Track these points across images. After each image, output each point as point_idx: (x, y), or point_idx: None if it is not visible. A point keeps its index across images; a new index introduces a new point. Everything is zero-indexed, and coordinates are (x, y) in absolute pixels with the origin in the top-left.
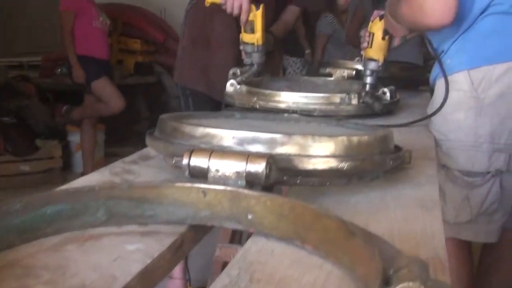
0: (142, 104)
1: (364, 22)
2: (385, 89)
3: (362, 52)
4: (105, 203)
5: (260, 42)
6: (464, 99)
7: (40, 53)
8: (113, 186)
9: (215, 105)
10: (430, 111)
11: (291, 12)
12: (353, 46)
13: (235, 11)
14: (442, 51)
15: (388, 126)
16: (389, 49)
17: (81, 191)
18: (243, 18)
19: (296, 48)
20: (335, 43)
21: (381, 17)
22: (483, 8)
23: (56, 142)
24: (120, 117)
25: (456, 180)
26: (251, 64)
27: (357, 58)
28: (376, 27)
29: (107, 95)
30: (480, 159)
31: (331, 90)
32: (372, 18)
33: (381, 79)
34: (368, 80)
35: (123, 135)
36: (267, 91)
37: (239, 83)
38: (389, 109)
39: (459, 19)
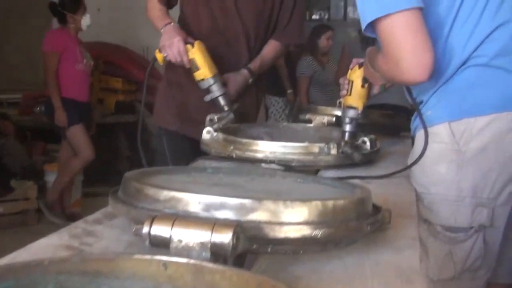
0: (123, 143)
1: None
2: (365, 139)
3: (341, 99)
4: (55, 278)
5: (208, 75)
6: (446, 151)
7: (21, 90)
8: (64, 260)
9: (191, 145)
10: (410, 162)
11: (270, 47)
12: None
13: (178, 59)
14: (422, 101)
15: (367, 177)
16: (369, 97)
17: (29, 266)
18: (183, 60)
19: (278, 88)
20: (316, 85)
21: (360, 65)
22: (463, 60)
23: (31, 182)
24: (100, 156)
25: (438, 235)
26: (229, 111)
27: (338, 100)
28: (355, 75)
29: (80, 144)
30: (463, 214)
31: (310, 137)
32: (351, 66)
33: (361, 126)
34: (347, 128)
35: (103, 175)
36: (244, 140)
37: (215, 130)
38: (369, 159)
39: (439, 71)
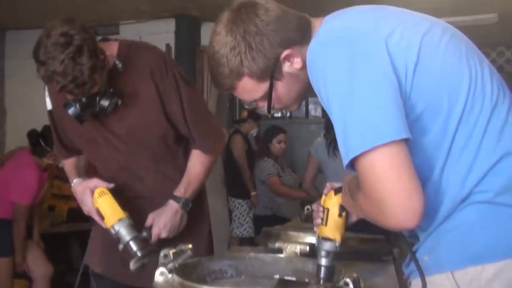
0: (76, 253)
1: (319, 169)
2: (348, 280)
3: (315, 229)
4: None
5: (112, 221)
6: None
7: None
8: None
9: None
10: None
11: (193, 161)
12: (309, 197)
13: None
14: (417, 241)
15: None
16: (347, 225)
17: None
18: (90, 213)
19: (241, 190)
20: None
21: (336, 191)
22: (463, 197)
23: None
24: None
25: None
26: (184, 248)
27: (306, 207)
28: (331, 203)
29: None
30: None
31: (282, 271)
32: (325, 191)
33: (340, 253)
34: (324, 262)
35: None
36: (203, 287)
37: (170, 271)
38: None
39: (433, 210)
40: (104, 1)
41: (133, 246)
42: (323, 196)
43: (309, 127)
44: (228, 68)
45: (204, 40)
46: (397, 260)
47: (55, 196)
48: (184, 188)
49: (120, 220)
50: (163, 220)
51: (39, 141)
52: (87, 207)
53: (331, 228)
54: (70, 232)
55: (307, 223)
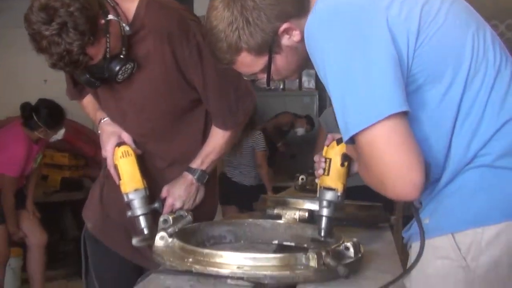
0: (70, 222)
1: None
2: (348, 244)
3: (317, 180)
4: None
5: (127, 189)
6: (451, 269)
7: None
8: None
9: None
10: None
11: (213, 135)
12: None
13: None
14: (420, 203)
15: None
16: (349, 175)
17: None
18: (110, 167)
19: None
20: None
21: (338, 141)
22: (469, 159)
23: None
24: None
25: None
26: (184, 214)
27: (301, 177)
28: (334, 152)
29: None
30: None
31: (280, 236)
32: (327, 143)
33: (337, 220)
34: (325, 212)
35: (47, 257)
36: (205, 251)
37: (170, 236)
38: (354, 268)
39: (439, 175)
40: None
41: (142, 222)
42: (325, 148)
43: (303, 100)
44: (226, 43)
45: (197, 10)
46: (394, 227)
47: (48, 166)
48: (201, 160)
49: (136, 190)
50: (178, 191)
51: (32, 115)
52: (106, 153)
53: (333, 178)
54: (63, 202)
55: (301, 192)
